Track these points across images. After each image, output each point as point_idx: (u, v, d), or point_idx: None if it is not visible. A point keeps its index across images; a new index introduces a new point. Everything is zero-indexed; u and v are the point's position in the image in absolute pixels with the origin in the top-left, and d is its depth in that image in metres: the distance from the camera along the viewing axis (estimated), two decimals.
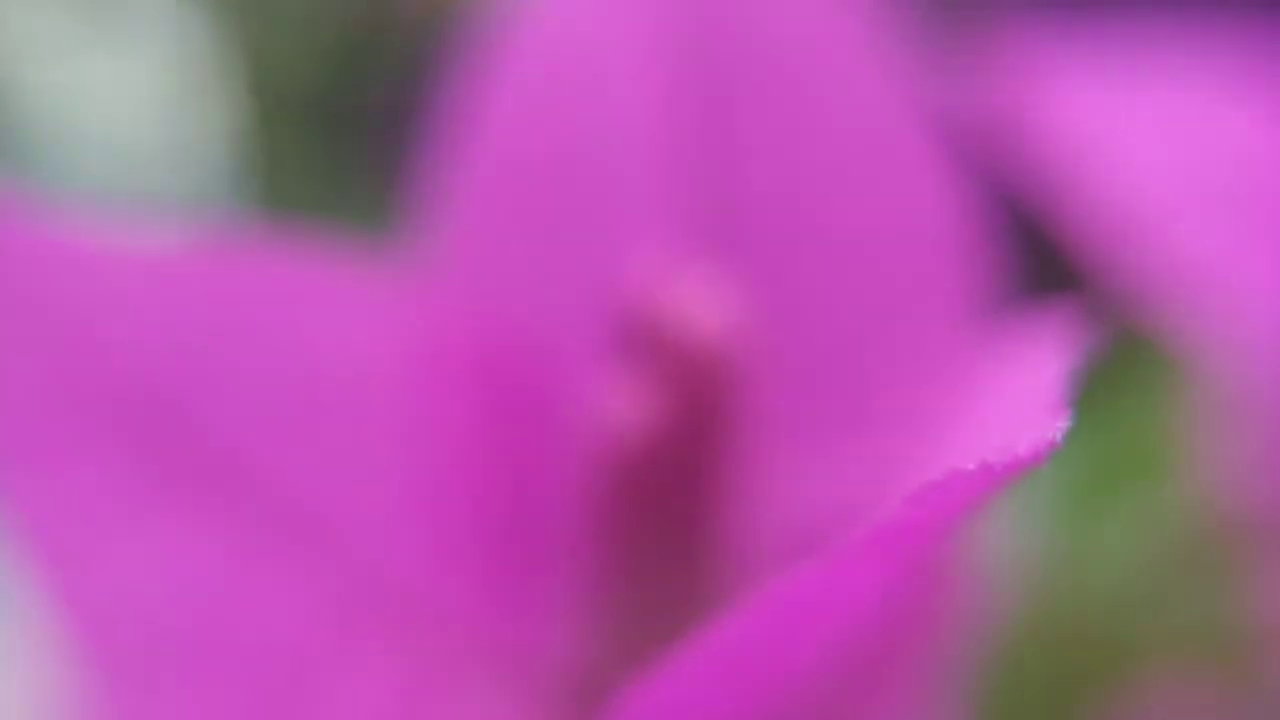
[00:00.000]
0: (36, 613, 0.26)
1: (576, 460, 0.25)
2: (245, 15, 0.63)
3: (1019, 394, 0.22)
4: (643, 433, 0.25)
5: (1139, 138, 0.30)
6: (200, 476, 0.25)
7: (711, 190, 0.27)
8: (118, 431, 0.25)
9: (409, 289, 0.26)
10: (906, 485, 0.16)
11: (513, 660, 0.26)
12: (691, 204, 0.27)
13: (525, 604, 0.26)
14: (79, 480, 0.24)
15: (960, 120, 0.30)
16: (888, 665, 0.26)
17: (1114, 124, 0.30)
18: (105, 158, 0.63)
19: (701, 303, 0.24)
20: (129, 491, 0.24)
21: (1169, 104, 0.31)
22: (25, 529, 0.24)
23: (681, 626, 0.23)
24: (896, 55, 0.27)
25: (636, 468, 0.24)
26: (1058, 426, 0.16)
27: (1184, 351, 0.30)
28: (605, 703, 0.23)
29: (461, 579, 0.26)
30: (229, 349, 0.25)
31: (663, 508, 0.25)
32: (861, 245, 0.27)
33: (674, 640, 0.20)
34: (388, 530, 0.26)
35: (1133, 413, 0.36)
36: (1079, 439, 0.37)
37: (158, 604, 0.24)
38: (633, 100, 0.28)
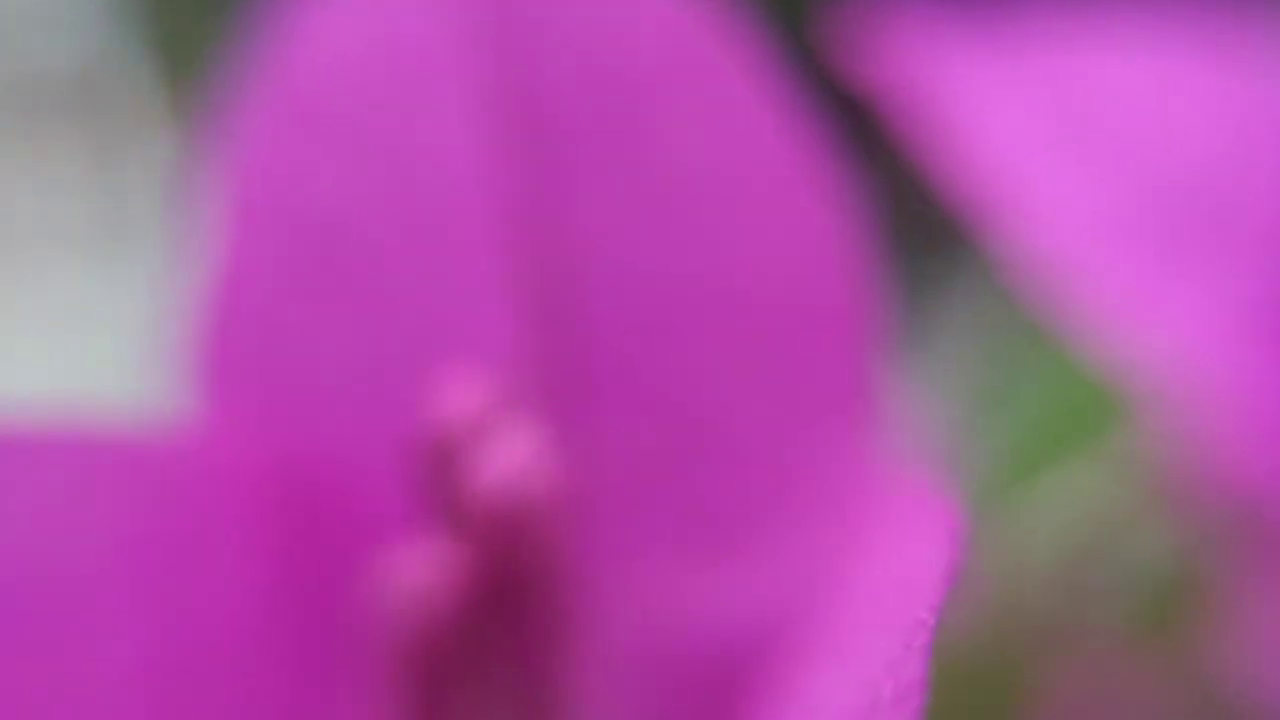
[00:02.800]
0: None
1: (376, 622, 0.21)
2: None
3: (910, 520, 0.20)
4: (445, 595, 0.20)
5: (1014, 105, 0.26)
6: None
7: (547, 253, 0.22)
8: None
9: (182, 440, 0.21)
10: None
11: None
12: (525, 275, 0.22)
13: None
14: None
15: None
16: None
17: (991, 93, 0.26)
18: None
19: (516, 453, 0.20)
20: None
21: (1053, 70, 0.27)
22: None
23: None
24: (757, 49, 0.22)
25: (441, 631, 0.20)
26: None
27: (1071, 325, 0.27)
28: None
29: None
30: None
31: (474, 667, 0.21)
32: (731, 309, 0.22)
33: None
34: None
35: (1041, 392, 0.35)
36: (996, 418, 0.37)
37: None
38: (448, 126, 0.22)
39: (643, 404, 0.23)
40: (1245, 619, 0.29)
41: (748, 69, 0.22)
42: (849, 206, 0.22)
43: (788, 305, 0.22)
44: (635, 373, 0.23)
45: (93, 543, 0.20)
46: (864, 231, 0.22)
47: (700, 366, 0.22)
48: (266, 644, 0.21)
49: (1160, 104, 0.27)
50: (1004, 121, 0.26)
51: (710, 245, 0.22)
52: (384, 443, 0.22)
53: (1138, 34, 0.29)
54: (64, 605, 0.20)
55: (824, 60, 0.25)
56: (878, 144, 0.27)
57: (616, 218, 0.22)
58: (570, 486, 0.21)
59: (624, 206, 0.22)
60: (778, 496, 0.22)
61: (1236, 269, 0.27)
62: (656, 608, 0.23)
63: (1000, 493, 0.34)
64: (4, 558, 0.20)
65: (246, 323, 0.22)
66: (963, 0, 0.28)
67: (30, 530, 0.20)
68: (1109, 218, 0.25)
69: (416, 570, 0.20)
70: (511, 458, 0.20)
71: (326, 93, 0.22)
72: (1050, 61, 0.27)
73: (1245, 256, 0.27)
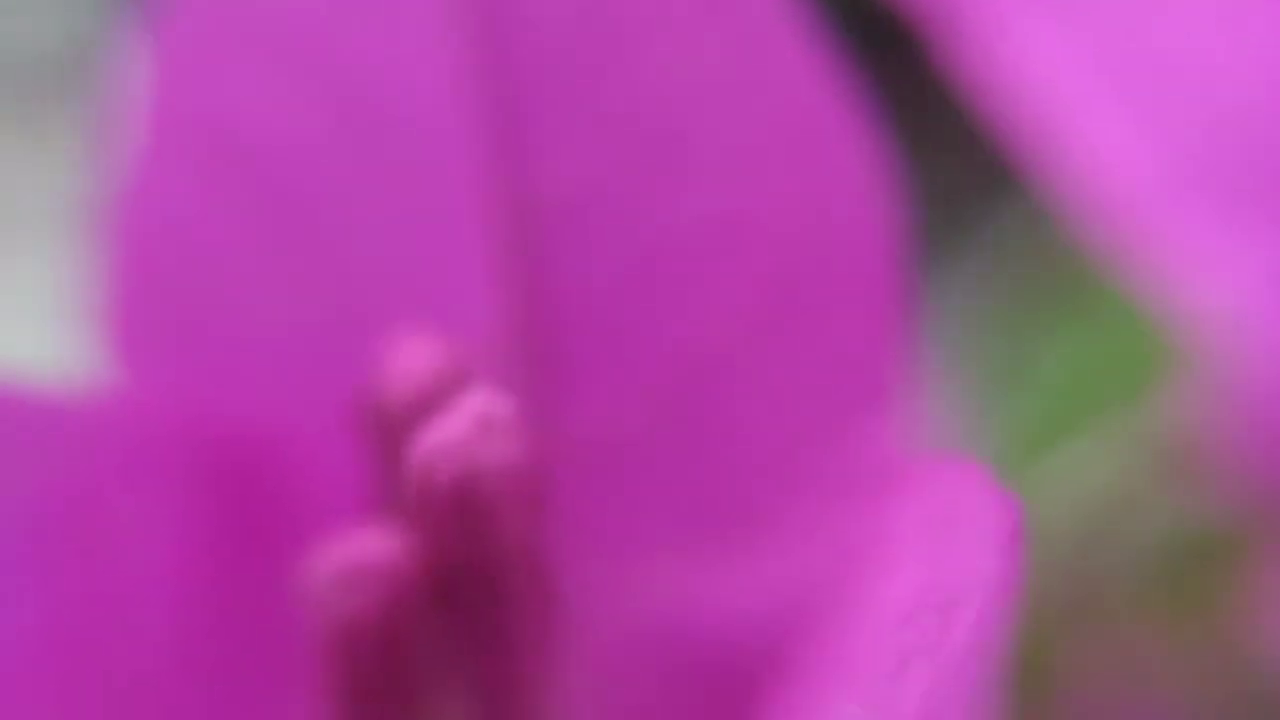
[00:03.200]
0: None
1: (310, 614, 0.17)
2: None
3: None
4: (385, 585, 0.17)
5: (1069, 35, 0.23)
6: None
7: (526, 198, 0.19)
8: None
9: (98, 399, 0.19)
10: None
11: None
12: (500, 221, 0.19)
13: None
14: None
15: None
16: None
17: (1043, 20, 0.23)
18: None
19: (464, 423, 0.16)
20: None
21: None
22: None
23: None
24: None
25: (377, 628, 0.17)
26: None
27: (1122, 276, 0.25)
28: None
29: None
30: None
31: (415, 669, 0.18)
32: (740, 263, 0.19)
33: None
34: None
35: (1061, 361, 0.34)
36: (1015, 387, 0.34)
37: None
38: (416, 41, 0.20)
39: (633, 378, 0.20)
40: (1270, 592, 0.28)
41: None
42: (878, 145, 0.19)
43: (807, 260, 0.19)
44: (626, 340, 0.20)
45: None
46: (894, 178, 0.19)
47: (705, 333, 0.19)
48: (188, 626, 0.18)
49: (1231, 35, 0.24)
50: (1057, 52, 0.22)
51: (719, 185, 0.19)
52: (328, 411, 0.19)
53: None
54: None
55: None
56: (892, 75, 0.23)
57: (604, 151, 0.19)
58: (541, 466, 0.17)
59: (611, 134, 0.19)
60: (792, 483, 0.19)
61: None
62: (651, 604, 0.19)
63: (1017, 466, 0.32)
64: None
65: (161, 270, 0.19)
66: None
67: None
68: (1170, 160, 0.22)
69: (354, 557, 0.17)
70: (459, 428, 0.17)
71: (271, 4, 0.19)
72: None
73: None
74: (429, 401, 0.18)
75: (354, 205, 0.19)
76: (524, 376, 0.20)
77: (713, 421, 0.20)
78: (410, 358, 0.18)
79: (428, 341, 0.18)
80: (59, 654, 0.17)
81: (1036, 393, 0.35)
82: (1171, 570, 0.29)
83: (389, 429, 0.18)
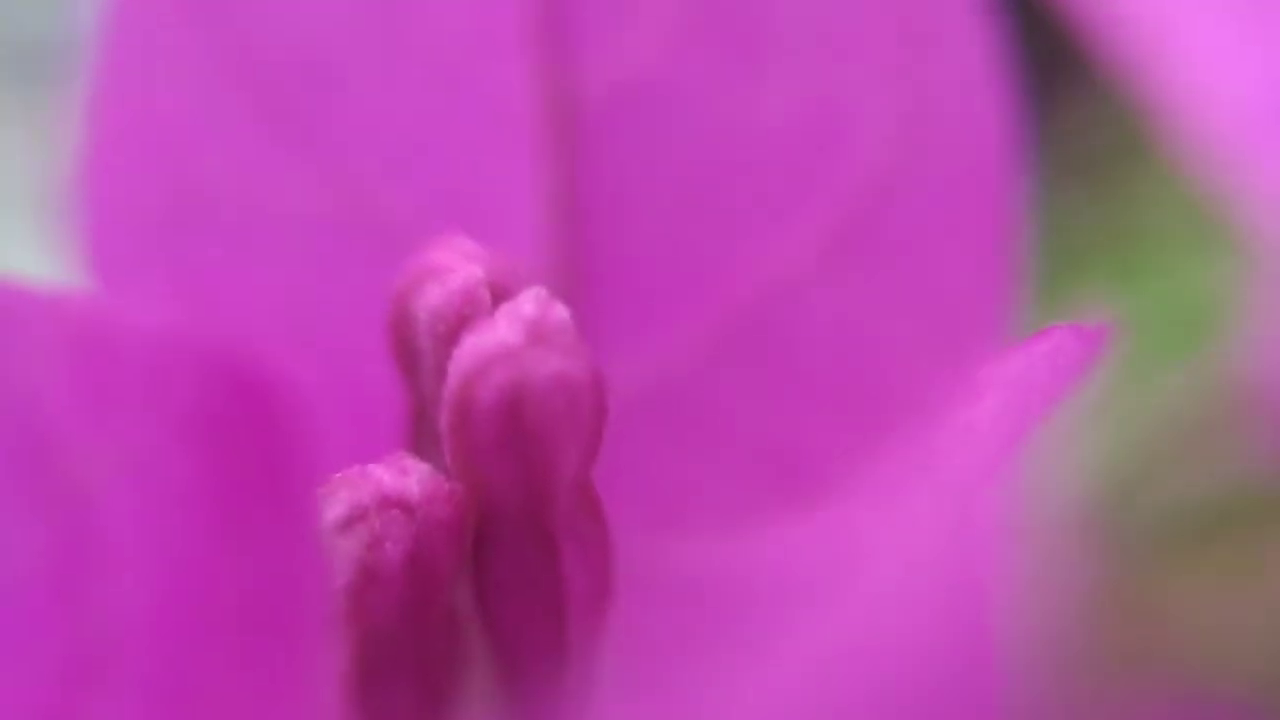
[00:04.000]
0: None
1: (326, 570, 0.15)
2: None
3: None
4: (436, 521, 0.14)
5: None
6: None
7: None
8: None
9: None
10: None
11: None
12: (553, 122, 0.17)
13: None
14: None
15: None
16: None
17: None
18: None
19: (530, 329, 0.14)
20: None
21: None
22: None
23: None
24: None
25: (406, 596, 0.14)
26: None
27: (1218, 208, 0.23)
28: None
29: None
30: None
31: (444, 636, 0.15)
32: (831, 179, 0.17)
33: None
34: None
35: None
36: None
37: None
38: None
39: (691, 311, 0.17)
40: None
41: None
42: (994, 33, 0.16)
43: (906, 168, 0.16)
44: (684, 265, 0.17)
45: None
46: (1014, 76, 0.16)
47: (777, 253, 0.17)
48: (189, 572, 0.16)
49: None
50: None
51: (803, 74, 0.16)
52: (352, 343, 0.17)
53: None
54: None
55: None
56: None
57: (659, 34, 0.16)
58: (600, 385, 0.15)
59: (668, 12, 0.16)
60: (865, 433, 0.17)
61: None
62: (696, 566, 0.17)
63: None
64: None
65: (162, 191, 0.16)
66: None
67: None
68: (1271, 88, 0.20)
69: (374, 494, 0.15)
70: (505, 335, 0.14)
71: None
72: None
73: None
74: (469, 311, 0.15)
75: (391, 117, 0.17)
76: (572, 315, 0.17)
77: (778, 362, 0.17)
78: (448, 263, 0.15)
79: (467, 246, 0.15)
80: (53, 598, 0.15)
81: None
82: (1214, 528, 0.28)
83: (423, 345, 0.15)
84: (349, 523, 0.14)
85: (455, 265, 0.15)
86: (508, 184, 0.17)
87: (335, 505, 0.14)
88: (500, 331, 0.14)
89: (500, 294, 0.15)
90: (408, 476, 0.15)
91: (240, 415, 0.16)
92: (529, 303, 0.14)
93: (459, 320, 0.15)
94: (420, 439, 0.16)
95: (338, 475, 0.15)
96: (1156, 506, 0.28)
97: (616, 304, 0.17)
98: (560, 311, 0.14)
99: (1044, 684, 0.14)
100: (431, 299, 0.15)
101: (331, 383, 0.17)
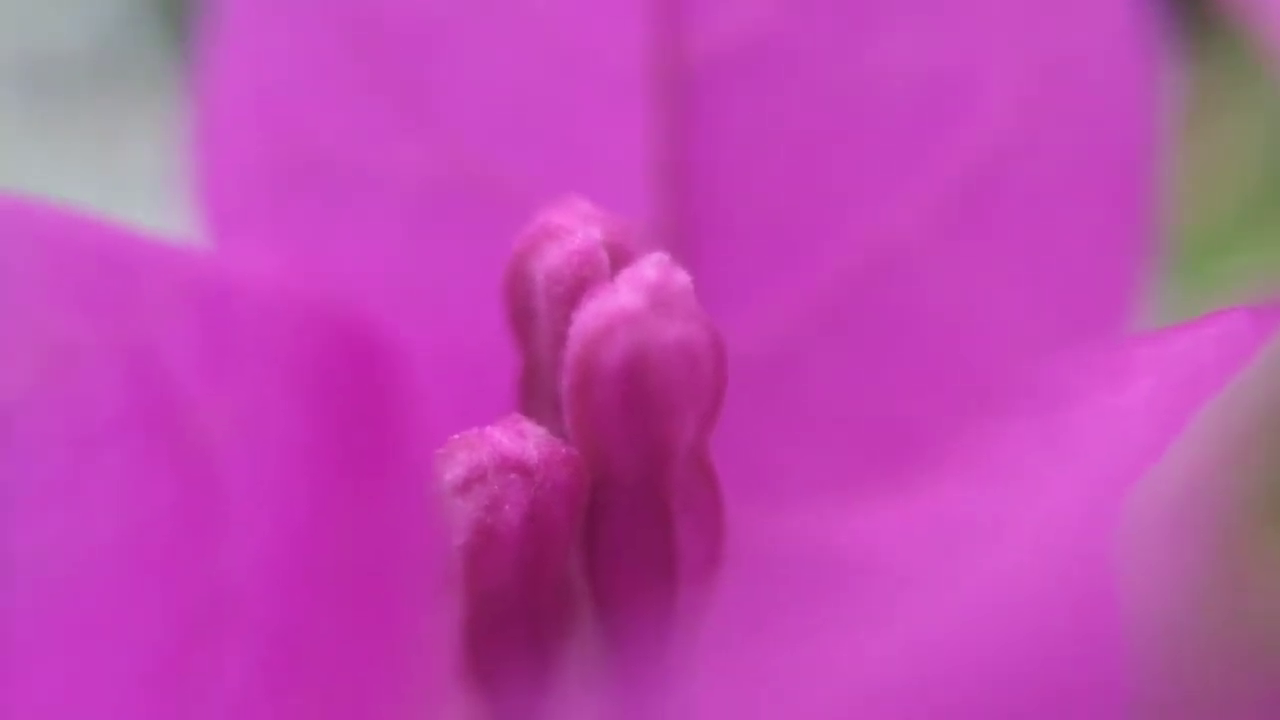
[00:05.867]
0: None
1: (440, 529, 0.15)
2: None
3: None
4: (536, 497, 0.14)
5: None
6: None
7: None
8: None
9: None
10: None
11: None
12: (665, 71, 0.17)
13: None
14: None
15: None
16: None
17: None
18: None
19: (653, 293, 0.14)
20: None
21: None
22: None
23: None
24: None
25: (525, 553, 0.14)
26: None
27: None
28: None
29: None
30: None
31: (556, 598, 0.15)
32: (962, 135, 0.16)
33: None
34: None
35: None
36: None
37: None
38: None
39: (800, 278, 0.17)
40: None
41: None
42: None
43: (1039, 133, 0.16)
44: (795, 231, 0.17)
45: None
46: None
47: (892, 220, 0.16)
48: (298, 527, 0.16)
49: None
50: None
51: (928, 29, 0.16)
52: (466, 308, 0.17)
53: None
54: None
55: None
56: None
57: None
58: (721, 352, 0.14)
59: None
60: (974, 406, 0.16)
61: None
62: (802, 537, 0.17)
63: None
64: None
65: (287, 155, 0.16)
66: None
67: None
68: None
69: (492, 457, 0.15)
70: (629, 299, 0.14)
71: None
72: None
73: None
74: (587, 273, 0.15)
75: (504, 83, 0.17)
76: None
77: (886, 332, 0.17)
78: (567, 224, 0.15)
79: (585, 207, 0.15)
80: (179, 549, 0.15)
81: None
82: None
83: (539, 307, 0.15)
84: (468, 484, 0.14)
85: (573, 226, 0.15)
86: (620, 148, 0.17)
87: (454, 467, 0.14)
88: (623, 296, 0.14)
89: (617, 256, 0.15)
90: (525, 440, 0.15)
91: (351, 374, 0.16)
92: (651, 268, 0.14)
93: (576, 282, 0.15)
94: (531, 402, 0.16)
95: (455, 437, 0.15)
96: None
97: (725, 269, 0.17)
98: (682, 277, 0.14)
99: (1162, 670, 0.14)
100: (549, 260, 0.15)
101: (438, 346, 0.17)
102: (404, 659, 0.17)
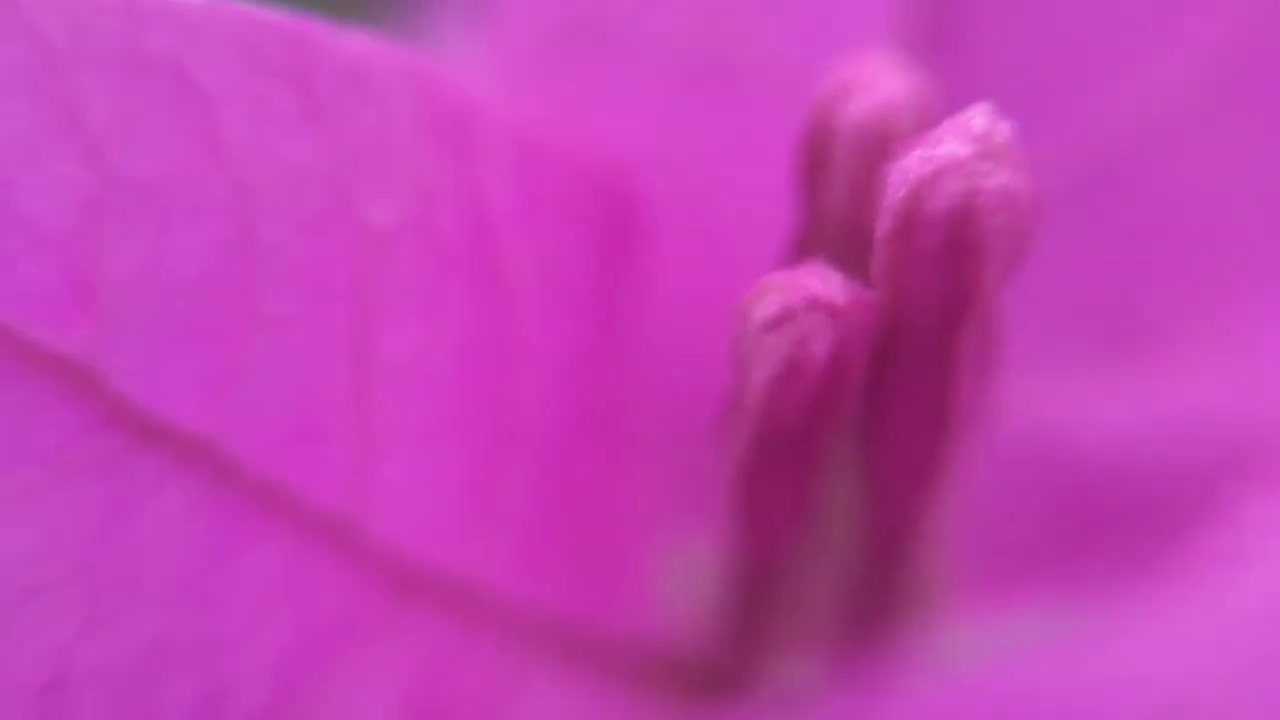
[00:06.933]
0: None
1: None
2: None
3: None
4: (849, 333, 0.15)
5: None
6: None
7: None
8: None
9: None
10: None
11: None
12: None
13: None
14: None
15: None
16: None
17: None
18: None
19: (982, 144, 0.14)
20: None
21: None
22: None
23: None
24: None
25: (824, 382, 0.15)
26: None
27: None
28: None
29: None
30: None
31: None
32: None
33: None
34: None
35: None
36: None
37: None
38: None
39: (1053, 151, 0.17)
40: None
41: None
42: None
43: None
44: (1052, 104, 0.17)
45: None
46: None
47: (1152, 94, 0.17)
48: (573, 363, 0.16)
49: None
50: None
51: None
52: (727, 160, 0.17)
53: None
54: None
55: None
56: None
57: None
58: (1037, 206, 0.15)
59: None
60: (1226, 295, 0.17)
61: None
62: (1042, 419, 0.17)
63: None
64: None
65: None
66: None
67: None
68: None
69: (801, 296, 0.15)
70: (959, 148, 0.14)
71: None
72: None
73: None
74: (894, 124, 0.15)
75: None
76: None
77: (1140, 206, 0.17)
78: (871, 76, 0.15)
79: (885, 61, 0.15)
80: (485, 375, 0.15)
81: None
82: None
83: (839, 158, 0.15)
84: (779, 321, 0.15)
85: (878, 78, 0.15)
86: (872, 22, 0.17)
87: (766, 305, 0.15)
88: (950, 144, 0.14)
89: (921, 103, 0.16)
90: (831, 283, 0.15)
91: (625, 235, 0.16)
92: (978, 117, 0.15)
93: (885, 133, 0.15)
94: (805, 254, 0.16)
95: (765, 278, 0.15)
96: None
97: None
98: (1006, 128, 0.15)
99: None
100: (857, 112, 0.15)
101: (698, 206, 0.17)
102: (654, 499, 0.18)
